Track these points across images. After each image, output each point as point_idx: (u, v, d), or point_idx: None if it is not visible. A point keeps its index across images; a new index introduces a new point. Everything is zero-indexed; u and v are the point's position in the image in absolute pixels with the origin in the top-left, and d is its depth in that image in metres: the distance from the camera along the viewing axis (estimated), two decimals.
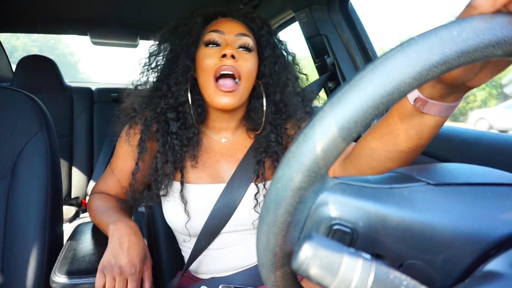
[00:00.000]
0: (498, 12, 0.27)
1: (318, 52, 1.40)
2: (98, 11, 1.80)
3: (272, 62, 0.80)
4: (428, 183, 0.28)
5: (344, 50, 1.33)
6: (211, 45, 0.75)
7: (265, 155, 0.80)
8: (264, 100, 0.79)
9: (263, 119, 0.80)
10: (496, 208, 0.27)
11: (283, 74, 0.80)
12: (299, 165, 0.25)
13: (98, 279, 0.62)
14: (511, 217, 0.27)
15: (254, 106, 0.82)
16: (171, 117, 0.77)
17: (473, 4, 0.28)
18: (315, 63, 1.44)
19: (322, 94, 1.45)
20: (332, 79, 1.38)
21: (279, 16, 1.58)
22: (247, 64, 0.74)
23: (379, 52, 1.34)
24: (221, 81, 0.72)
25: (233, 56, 0.72)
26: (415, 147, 0.46)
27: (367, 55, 1.29)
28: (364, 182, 0.29)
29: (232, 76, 0.72)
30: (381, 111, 0.25)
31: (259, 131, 0.81)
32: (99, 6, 1.70)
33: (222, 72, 0.72)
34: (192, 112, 0.77)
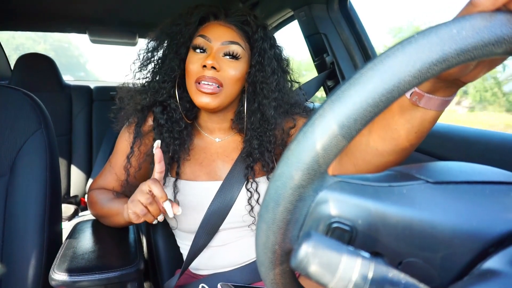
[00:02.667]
0: (498, 10, 0.27)
1: (317, 50, 1.40)
2: (97, 9, 1.79)
3: (258, 70, 0.77)
4: (427, 181, 0.28)
5: (343, 49, 1.33)
6: (198, 50, 0.75)
7: (252, 159, 0.80)
8: (245, 107, 0.79)
9: (244, 125, 0.80)
10: (495, 206, 0.27)
11: (264, 85, 0.77)
12: (299, 163, 0.25)
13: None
14: (509, 215, 0.27)
15: (239, 111, 0.82)
16: (157, 111, 0.79)
17: (473, 2, 0.28)
18: (314, 61, 1.44)
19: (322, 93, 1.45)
20: (331, 77, 1.38)
21: (278, 14, 1.57)
22: (231, 72, 0.73)
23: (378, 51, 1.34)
24: (202, 83, 0.72)
25: (214, 67, 0.71)
26: (410, 141, 0.47)
27: (366, 54, 1.29)
28: (363, 180, 0.29)
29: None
30: (381, 109, 0.25)
31: (243, 136, 0.82)
32: (97, 4, 1.69)
33: (203, 81, 0.72)
34: (179, 107, 0.79)
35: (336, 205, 0.27)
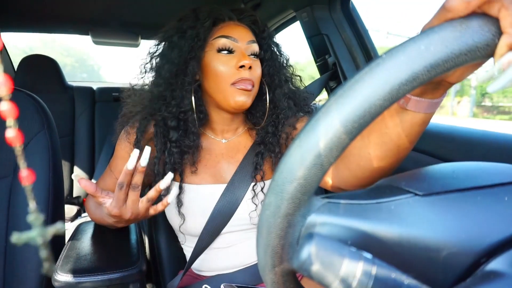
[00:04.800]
0: (471, 14, 0.26)
1: (319, 51, 1.40)
2: (99, 11, 1.80)
3: (270, 65, 0.81)
4: (416, 194, 0.28)
5: (345, 50, 1.33)
6: (224, 52, 0.73)
7: (263, 147, 0.81)
8: (267, 97, 0.81)
9: (266, 114, 0.82)
10: (485, 215, 0.27)
11: (275, 77, 0.81)
12: (283, 193, 0.26)
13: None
14: (500, 224, 0.26)
15: (254, 103, 0.83)
16: (172, 126, 0.75)
17: (447, 6, 0.28)
18: (316, 62, 1.44)
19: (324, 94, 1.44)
20: (334, 78, 1.38)
21: (280, 15, 1.57)
22: (258, 71, 0.76)
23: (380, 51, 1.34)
24: (239, 83, 0.72)
25: (250, 67, 0.72)
26: (402, 145, 0.47)
27: (368, 55, 1.29)
28: (351, 199, 0.29)
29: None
30: (355, 135, 0.25)
31: (260, 125, 0.83)
32: (100, 5, 1.70)
33: (241, 83, 0.72)
34: (195, 119, 0.76)
35: (324, 228, 0.27)
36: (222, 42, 0.73)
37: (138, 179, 0.58)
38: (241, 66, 0.71)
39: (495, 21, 0.26)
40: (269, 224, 0.27)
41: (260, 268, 0.30)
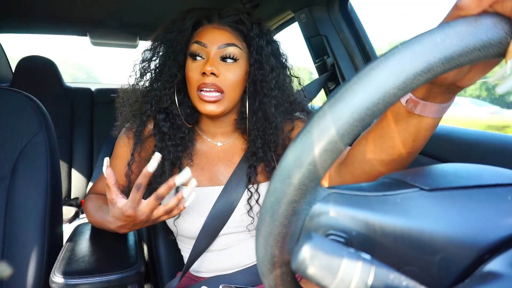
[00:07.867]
0: (484, 12, 0.27)
1: (317, 52, 1.40)
2: (98, 11, 1.80)
3: (257, 68, 0.76)
4: (422, 189, 0.28)
5: (343, 50, 1.33)
6: (195, 57, 0.74)
7: (255, 159, 0.79)
8: (247, 106, 0.79)
9: (247, 125, 0.79)
10: (490, 212, 0.27)
11: (264, 84, 0.76)
12: (289, 178, 0.25)
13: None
14: (504, 221, 0.26)
15: (241, 111, 0.81)
16: (160, 118, 0.78)
17: (459, 5, 0.28)
18: (314, 63, 1.45)
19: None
20: (332, 79, 1.39)
21: (279, 16, 1.58)
22: (231, 77, 0.73)
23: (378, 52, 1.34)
24: (204, 92, 0.72)
25: (213, 73, 0.71)
26: (408, 150, 0.46)
27: (367, 55, 1.29)
28: (357, 190, 0.29)
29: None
30: (368, 122, 0.25)
31: (247, 137, 0.81)
32: (98, 6, 1.70)
33: (204, 88, 0.72)
34: (180, 113, 0.78)
35: (329, 218, 0.27)
36: (193, 48, 0.74)
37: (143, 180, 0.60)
38: (204, 73, 0.71)
39: (508, 20, 0.26)
40: (273, 211, 0.26)
41: (258, 263, 0.29)
